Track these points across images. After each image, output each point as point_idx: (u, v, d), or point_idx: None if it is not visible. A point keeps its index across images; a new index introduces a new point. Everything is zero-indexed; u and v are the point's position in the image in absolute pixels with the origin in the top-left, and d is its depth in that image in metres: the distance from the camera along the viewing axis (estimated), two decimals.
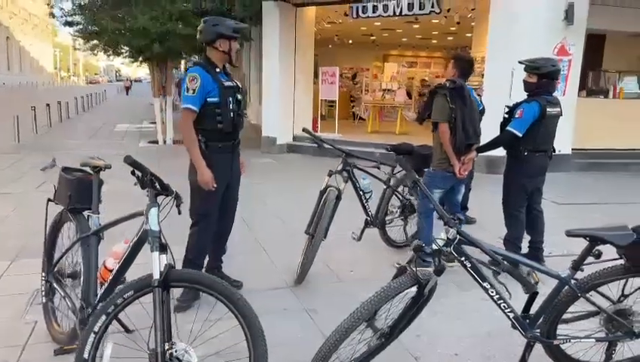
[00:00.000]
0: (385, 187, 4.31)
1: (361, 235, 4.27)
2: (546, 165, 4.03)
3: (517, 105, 3.92)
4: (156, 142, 11.99)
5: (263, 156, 10.38)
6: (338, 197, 3.77)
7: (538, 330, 2.47)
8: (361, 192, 4.09)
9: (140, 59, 12.53)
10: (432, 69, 19.04)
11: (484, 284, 2.32)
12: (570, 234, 2.27)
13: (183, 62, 21.65)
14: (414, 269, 2.23)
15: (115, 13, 10.60)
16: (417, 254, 2.27)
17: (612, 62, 11.79)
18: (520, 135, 3.80)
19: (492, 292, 2.34)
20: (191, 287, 2.17)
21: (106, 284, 2.42)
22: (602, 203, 6.91)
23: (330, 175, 3.88)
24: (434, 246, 2.23)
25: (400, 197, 4.43)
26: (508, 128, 3.85)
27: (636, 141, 10.16)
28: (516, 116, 3.82)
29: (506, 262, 2.16)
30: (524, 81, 3.96)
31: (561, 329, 2.52)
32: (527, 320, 2.45)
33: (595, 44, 9.91)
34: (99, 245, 2.63)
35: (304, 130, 3.95)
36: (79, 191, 2.75)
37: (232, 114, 3.27)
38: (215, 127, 3.24)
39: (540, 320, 2.46)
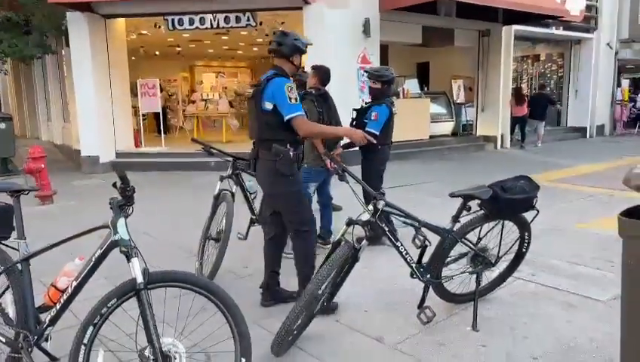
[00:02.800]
0: None
1: (247, 234, 4.61)
2: (389, 154, 4.97)
3: (368, 109, 4.72)
4: None
5: (88, 177, 9.69)
6: (232, 199, 4.07)
7: (429, 275, 3.22)
8: (247, 193, 4.43)
9: None
10: (240, 79, 19.77)
11: (397, 243, 2.97)
12: (452, 195, 3.06)
13: None
14: (351, 240, 2.75)
15: None
16: (348, 227, 2.80)
17: (395, 68, 14.02)
18: (378, 133, 4.59)
19: (402, 249, 3.01)
20: (169, 286, 2.30)
21: (60, 305, 2.37)
22: (412, 184, 8.41)
23: (221, 180, 4.15)
24: (364, 218, 2.79)
25: None
26: (368, 129, 4.59)
27: (423, 132, 12.38)
28: (372, 118, 4.61)
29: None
30: (370, 87, 4.80)
31: (444, 272, 3.32)
32: (422, 269, 3.19)
33: (382, 53, 11.72)
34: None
35: (193, 140, 4.13)
36: None
37: None
38: (294, 139, 3.27)
39: (431, 266, 3.22)
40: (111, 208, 2.26)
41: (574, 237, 5.16)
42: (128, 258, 2.21)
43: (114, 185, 2.17)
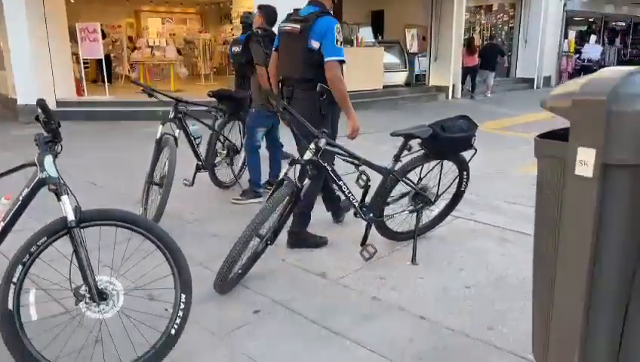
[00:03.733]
0: (211, 132, 4.63)
1: (194, 180, 4.54)
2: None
3: None
4: None
5: (27, 127, 9.17)
6: (175, 144, 3.97)
7: (371, 214, 3.29)
8: (192, 138, 4.33)
9: None
10: (189, 25, 18.95)
11: (340, 183, 3.01)
12: (393, 134, 3.10)
13: None
14: (293, 180, 2.76)
15: None
16: (291, 167, 2.80)
17: (349, 15, 13.83)
18: None
19: (345, 188, 3.05)
20: (104, 224, 2.25)
21: None
22: (364, 133, 8.39)
23: (163, 123, 4.02)
24: (306, 157, 2.79)
25: (222, 140, 4.80)
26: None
27: (377, 82, 12.35)
28: None
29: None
30: None
31: (386, 211, 3.40)
32: (365, 208, 3.25)
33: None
34: None
35: (132, 82, 3.96)
36: None
37: None
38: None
39: (373, 205, 3.29)
40: (36, 145, 2.16)
41: (515, 180, 5.38)
42: (58, 196, 2.14)
43: (36, 118, 2.07)
